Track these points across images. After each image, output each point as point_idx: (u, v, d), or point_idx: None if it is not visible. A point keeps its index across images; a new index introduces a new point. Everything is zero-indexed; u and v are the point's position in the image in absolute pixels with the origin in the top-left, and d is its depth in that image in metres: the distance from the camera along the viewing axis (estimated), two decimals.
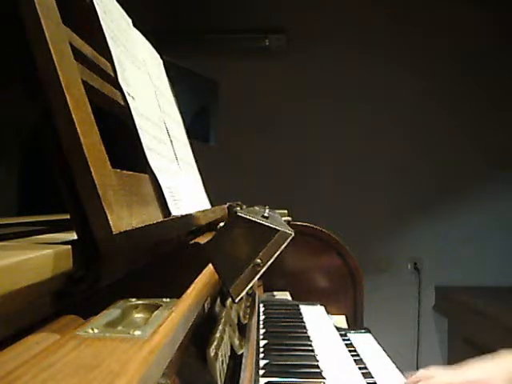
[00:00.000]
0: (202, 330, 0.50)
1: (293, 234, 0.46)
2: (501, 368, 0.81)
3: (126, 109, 0.58)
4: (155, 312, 0.36)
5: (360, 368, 0.96)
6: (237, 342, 0.71)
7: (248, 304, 1.03)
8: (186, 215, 0.65)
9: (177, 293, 0.41)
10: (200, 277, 0.50)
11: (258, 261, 0.45)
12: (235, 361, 0.68)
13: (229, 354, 0.64)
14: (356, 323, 1.61)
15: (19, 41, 0.38)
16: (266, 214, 0.48)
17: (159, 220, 0.54)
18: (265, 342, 1.05)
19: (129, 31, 0.73)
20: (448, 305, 2.87)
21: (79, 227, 0.37)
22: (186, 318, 0.38)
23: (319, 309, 1.43)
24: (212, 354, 0.51)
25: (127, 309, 0.37)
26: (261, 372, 0.88)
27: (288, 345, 1.05)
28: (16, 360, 0.27)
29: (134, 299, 0.39)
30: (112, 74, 0.58)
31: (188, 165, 0.94)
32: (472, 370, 0.82)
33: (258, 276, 0.45)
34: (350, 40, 3.01)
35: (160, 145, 0.70)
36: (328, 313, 1.40)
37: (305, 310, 1.38)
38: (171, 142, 0.80)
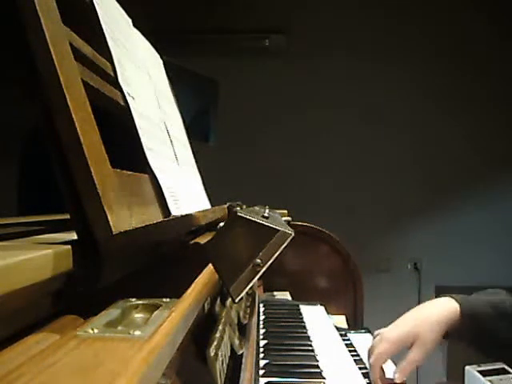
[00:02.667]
0: (201, 330, 0.50)
1: (293, 234, 0.46)
2: (431, 317, 0.84)
3: (126, 109, 0.58)
4: (155, 312, 0.36)
5: (360, 368, 0.96)
6: (237, 341, 0.71)
7: (248, 304, 1.03)
8: (186, 215, 0.65)
9: (177, 293, 0.41)
10: (200, 277, 0.50)
11: (258, 261, 0.45)
12: (235, 361, 0.68)
13: (229, 354, 0.64)
14: (356, 323, 1.61)
15: (19, 41, 0.37)
16: (266, 214, 0.48)
17: (159, 220, 0.54)
18: (265, 342, 1.05)
19: (129, 31, 0.73)
20: None
21: (79, 227, 0.37)
22: (185, 318, 0.38)
23: (319, 309, 1.43)
24: (212, 354, 0.51)
25: (127, 309, 0.37)
26: (261, 372, 0.88)
27: (288, 345, 1.05)
28: (16, 360, 0.27)
29: (133, 299, 0.39)
30: (112, 74, 0.58)
31: (188, 165, 0.94)
32: (403, 324, 0.87)
33: (258, 276, 0.45)
34: (350, 40, 3.01)
35: (160, 145, 0.70)
36: (328, 313, 1.40)
37: (305, 310, 1.38)
38: (171, 142, 0.80)
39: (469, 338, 0.87)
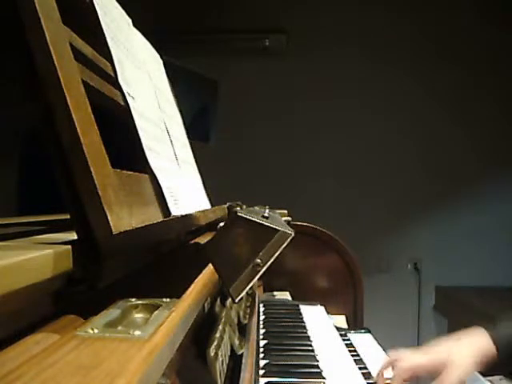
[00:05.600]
0: (202, 330, 0.50)
1: (293, 234, 0.46)
2: (466, 346, 0.82)
3: (126, 109, 0.58)
4: (155, 312, 0.36)
5: (360, 368, 0.96)
6: (237, 342, 0.71)
7: (248, 304, 1.03)
8: (186, 215, 0.65)
9: (177, 293, 0.41)
10: (200, 277, 0.50)
11: (258, 261, 0.45)
12: (235, 361, 0.68)
13: (229, 353, 0.64)
14: (356, 323, 1.61)
15: (19, 41, 0.37)
16: (266, 214, 0.48)
17: (159, 220, 0.54)
18: (265, 342, 1.05)
19: (129, 31, 0.73)
20: (448, 305, 2.87)
21: (79, 227, 0.37)
22: (185, 318, 0.38)
23: (319, 309, 1.43)
24: (212, 354, 0.51)
25: (127, 309, 0.37)
26: (261, 372, 0.88)
27: (288, 345, 1.05)
28: (16, 360, 0.27)
29: (133, 299, 0.39)
30: (112, 74, 0.58)
31: (188, 165, 0.94)
32: (438, 350, 0.84)
33: (258, 276, 0.45)
34: (350, 40, 3.01)
35: (160, 145, 0.70)
36: (328, 313, 1.40)
37: (305, 309, 1.38)
38: (171, 142, 0.80)
39: (506, 369, 0.85)
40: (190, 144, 1.06)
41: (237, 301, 0.46)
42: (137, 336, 0.31)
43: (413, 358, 0.83)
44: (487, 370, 0.83)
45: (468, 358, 0.80)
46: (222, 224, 0.54)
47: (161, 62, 0.98)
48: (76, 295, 0.37)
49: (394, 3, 2.99)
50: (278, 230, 0.46)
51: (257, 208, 0.66)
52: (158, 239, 0.51)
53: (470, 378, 1.15)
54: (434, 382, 0.79)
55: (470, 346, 0.82)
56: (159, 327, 0.32)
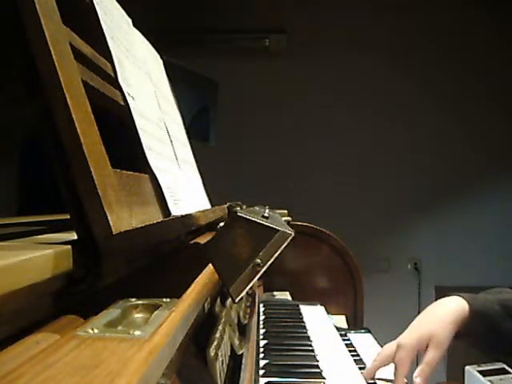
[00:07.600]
0: (202, 330, 0.50)
1: (293, 234, 0.46)
2: (443, 317, 0.84)
3: (126, 109, 0.58)
4: (155, 312, 0.36)
5: (360, 368, 0.96)
6: (237, 342, 0.71)
7: (248, 304, 1.03)
8: (186, 215, 0.65)
9: (177, 293, 0.41)
10: (200, 277, 0.50)
11: (258, 261, 0.45)
12: (235, 361, 0.68)
13: (229, 353, 0.64)
14: (356, 323, 1.61)
15: (19, 41, 0.37)
16: (266, 214, 0.48)
17: (159, 220, 0.54)
18: (265, 341, 1.05)
19: (129, 31, 0.73)
20: None
21: (79, 227, 0.37)
22: (185, 318, 0.38)
23: (319, 309, 1.43)
24: (212, 354, 0.51)
25: (127, 309, 0.37)
26: (261, 372, 0.87)
27: (288, 345, 1.05)
28: (16, 360, 0.27)
29: (133, 299, 0.39)
30: (112, 73, 0.58)
31: (188, 165, 0.94)
32: (416, 328, 0.85)
33: (258, 276, 0.45)
34: (350, 40, 3.01)
35: (160, 145, 0.70)
36: (328, 313, 1.40)
37: (305, 310, 1.38)
38: (171, 142, 0.80)
39: (477, 336, 0.86)
40: (190, 144, 1.06)
41: (237, 301, 0.46)
42: (137, 336, 0.31)
43: (399, 359, 0.82)
44: (463, 337, 0.84)
45: (447, 331, 0.82)
46: (222, 224, 0.54)
47: (161, 61, 0.98)
48: (76, 295, 0.37)
49: (394, 3, 2.99)
50: (278, 230, 0.46)
51: (257, 208, 0.66)
52: (158, 239, 0.51)
53: (470, 378, 1.15)
54: (421, 365, 0.80)
55: (448, 316, 0.84)
56: (159, 327, 0.32)
